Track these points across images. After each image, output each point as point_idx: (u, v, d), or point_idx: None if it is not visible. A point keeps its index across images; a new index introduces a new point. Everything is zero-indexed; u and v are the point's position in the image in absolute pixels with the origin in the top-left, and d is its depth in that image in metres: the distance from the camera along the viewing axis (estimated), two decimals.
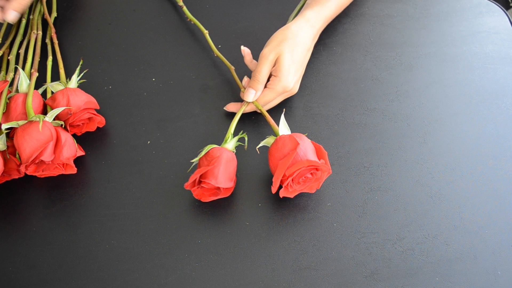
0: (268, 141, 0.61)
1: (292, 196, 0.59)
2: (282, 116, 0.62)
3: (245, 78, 0.69)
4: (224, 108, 0.69)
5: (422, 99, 0.71)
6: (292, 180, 0.57)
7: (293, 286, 0.56)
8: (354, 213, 0.61)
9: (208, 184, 0.58)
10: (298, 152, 0.57)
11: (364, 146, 0.66)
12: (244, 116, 0.69)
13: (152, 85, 0.74)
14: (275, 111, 0.69)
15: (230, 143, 0.61)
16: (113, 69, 0.76)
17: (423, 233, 0.59)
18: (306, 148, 0.58)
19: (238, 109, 0.67)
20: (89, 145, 0.67)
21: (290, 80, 0.66)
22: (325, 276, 0.56)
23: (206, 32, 0.75)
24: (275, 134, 0.62)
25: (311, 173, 0.58)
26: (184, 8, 0.80)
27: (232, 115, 0.69)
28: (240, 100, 0.70)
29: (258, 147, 0.62)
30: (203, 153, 0.59)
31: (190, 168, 0.63)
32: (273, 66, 0.66)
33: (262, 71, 0.65)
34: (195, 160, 0.61)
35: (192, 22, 0.79)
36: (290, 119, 0.69)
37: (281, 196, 0.58)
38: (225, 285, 0.56)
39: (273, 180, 0.57)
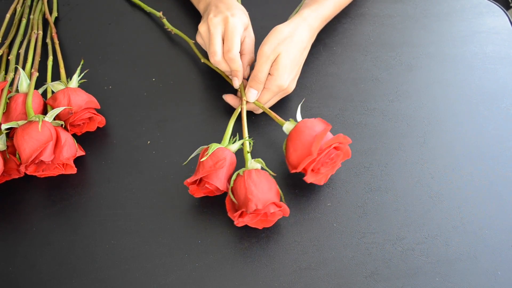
0: (288, 127, 0.61)
1: (312, 180, 0.59)
2: (299, 107, 0.63)
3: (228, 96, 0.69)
4: (223, 96, 0.69)
5: (422, 99, 0.71)
6: (322, 158, 0.57)
7: (293, 286, 0.56)
8: (354, 213, 0.61)
9: (211, 185, 0.58)
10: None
11: (364, 146, 0.66)
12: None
13: (152, 85, 0.74)
14: (274, 111, 0.69)
15: (234, 146, 0.61)
16: (113, 69, 0.76)
17: (423, 233, 0.59)
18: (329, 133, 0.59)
19: (235, 104, 0.68)
20: (89, 145, 0.67)
21: (285, 79, 0.66)
22: (325, 276, 0.56)
23: (192, 42, 0.75)
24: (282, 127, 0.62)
25: (335, 154, 0.58)
26: (164, 20, 0.80)
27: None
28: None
29: (283, 127, 0.61)
30: (210, 152, 0.58)
31: (187, 161, 0.63)
32: None
33: (264, 70, 0.65)
34: (197, 154, 0.61)
35: (173, 32, 0.79)
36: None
37: (308, 181, 0.58)
38: (225, 285, 0.56)
39: (312, 149, 0.55)
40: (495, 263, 0.57)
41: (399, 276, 0.56)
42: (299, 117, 0.62)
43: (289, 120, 0.61)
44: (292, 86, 0.68)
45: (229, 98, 0.69)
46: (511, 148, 0.66)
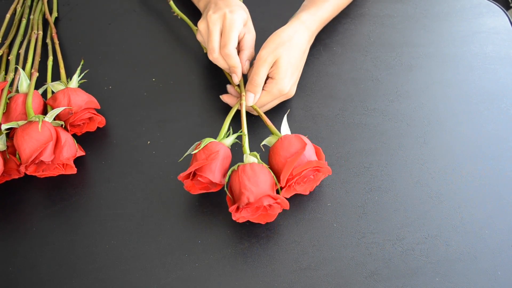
0: (270, 140, 0.61)
1: (288, 196, 0.59)
2: (285, 117, 0.62)
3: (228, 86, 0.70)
4: (220, 97, 0.69)
5: (422, 99, 0.71)
6: (296, 180, 0.57)
7: (293, 286, 0.56)
8: (354, 213, 0.61)
9: (204, 178, 0.58)
10: (304, 153, 0.57)
11: (364, 146, 0.66)
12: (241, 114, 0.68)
13: (152, 85, 0.74)
14: (273, 113, 0.69)
15: (228, 139, 0.61)
16: (113, 69, 0.76)
17: (423, 233, 0.59)
18: (310, 149, 0.59)
19: (233, 103, 0.68)
20: (89, 145, 0.67)
21: (286, 83, 0.66)
22: (325, 276, 0.56)
23: (196, 29, 0.74)
24: (273, 134, 0.62)
25: (313, 175, 0.58)
26: (171, 2, 0.79)
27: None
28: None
29: (261, 144, 0.62)
30: (202, 146, 0.59)
31: (182, 158, 0.62)
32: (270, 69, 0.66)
33: (261, 73, 0.65)
34: (192, 150, 0.60)
35: (179, 17, 0.78)
36: (290, 119, 0.68)
37: (285, 197, 0.59)
38: (225, 285, 0.56)
39: (281, 177, 0.57)
40: (495, 263, 0.57)
41: (399, 276, 0.56)
42: (285, 128, 0.62)
43: (271, 135, 0.62)
44: (293, 90, 0.68)
45: (226, 98, 0.69)
46: (511, 148, 0.66)
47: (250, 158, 0.59)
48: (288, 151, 0.58)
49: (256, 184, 0.55)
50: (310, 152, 0.58)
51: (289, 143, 0.58)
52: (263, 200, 0.55)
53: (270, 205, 0.56)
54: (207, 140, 0.59)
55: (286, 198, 0.58)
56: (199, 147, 0.59)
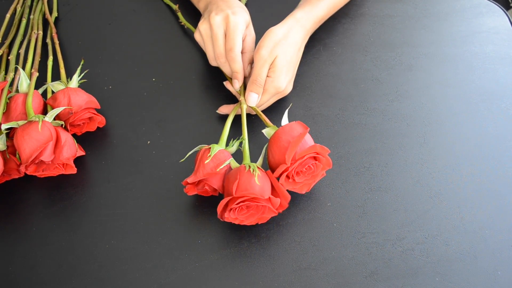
0: (269, 131, 0.61)
1: (286, 188, 0.59)
2: (286, 112, 0.62)
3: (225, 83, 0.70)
4: (217, 111, 0.69)
5: (422, 99, 0.71)
6: (297, 166, 0.57)
7: (293, 286, 0.56)
8: (354, 213, 0.61)
9: (210, 186, 0.58)
10: (305, 138, 0.57)
11: (364, 146, 0.66)
12: (240, 117, 0.68)
13: (152, 85, 0.74)
14: (272, 112, 0.69)
15: (233, 147, 0.61)
16: (113, 69, 0.76)
17: (423, 233, 0.59)
18: (310, 139, 0.59)
19: (231, 110, 0.67)
20: (89, 145, 0.67)
21: (282, 81, 0.66)
22: (325, 276, 0.56)
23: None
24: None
25: (313, 164, 0.58)
26: (179, 13, 0.80)
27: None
28: (236, 101, 0.70)
29: (263, 130, 0.61)
30: (212, 154, 0.58)
31: (184, 158, 0.62)
32: None
33: (262, 74, 0.65)
34: (195, 152, 0.60)
35: (186, 27, 0.79)
36: (290, 119, 0.68)
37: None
38: (225, 285, 0.56)
39: (286, 157, 0.56)
40: (495, 263, 0.57)
41: (399, 276, 0.56)
42: (285, 121, 0.61)
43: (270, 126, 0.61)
44: (289, 88, 0.68)
45: (223, 109, 0.69)
46: (511, 148, 0.66)
47: (234, 164, 0.59)
48: (290, 134, 0.57)
49: (240, 190, 0.55)
50: (310, 141, 0.58)
51: (291, 128, 0.58)
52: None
53: (263, 206, 0.56)
54: (216, 148, 0.58)
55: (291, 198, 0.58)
56: (208, 156, 0.57)
